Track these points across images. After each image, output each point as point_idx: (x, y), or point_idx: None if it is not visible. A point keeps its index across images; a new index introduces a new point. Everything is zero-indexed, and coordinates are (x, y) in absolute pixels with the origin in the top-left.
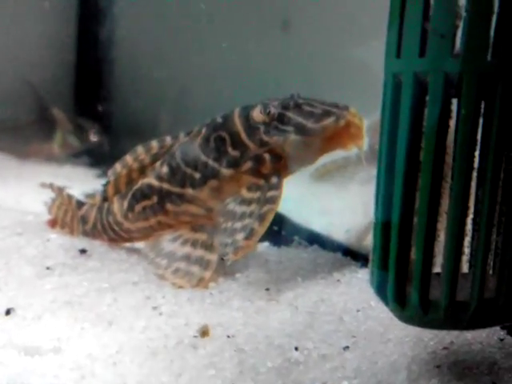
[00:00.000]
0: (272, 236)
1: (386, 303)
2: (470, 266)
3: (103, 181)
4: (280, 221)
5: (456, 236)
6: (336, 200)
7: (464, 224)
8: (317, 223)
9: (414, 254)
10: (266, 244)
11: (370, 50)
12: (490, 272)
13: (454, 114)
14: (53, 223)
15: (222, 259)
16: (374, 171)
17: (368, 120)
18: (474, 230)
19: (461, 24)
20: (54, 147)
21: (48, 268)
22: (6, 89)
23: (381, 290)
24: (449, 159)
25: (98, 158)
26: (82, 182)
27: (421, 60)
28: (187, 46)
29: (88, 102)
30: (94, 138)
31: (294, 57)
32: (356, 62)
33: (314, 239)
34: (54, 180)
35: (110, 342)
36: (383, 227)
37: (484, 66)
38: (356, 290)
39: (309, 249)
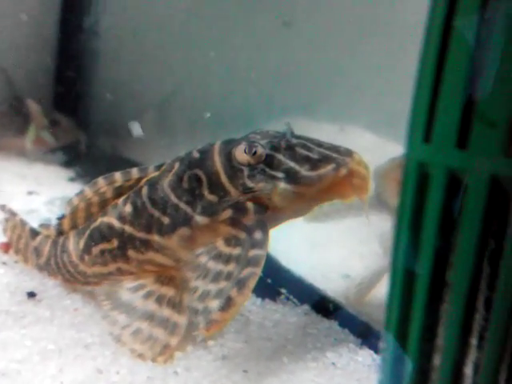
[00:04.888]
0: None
1: None
2: None
3: (74, 187)
4: (266, 264)
5: None
6: (333, 241)
7: None
8: (310, 265)
9: None
10: None
11: None
12: None
13: None
14: (6, 247)
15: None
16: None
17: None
18: None
19: None
20: (26, 142)
21: None
22: None
23: None
24: None
25: (74, 157)
26: (52, 186)
27: (459, 153)
28: (176, 42)
29: (67, 96)
30: (70, 135)
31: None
32: None
33: (305, 296)
34: (21, 181)
35: None
36: None
37: None
38: (354, 381)
39: (298, 309)
